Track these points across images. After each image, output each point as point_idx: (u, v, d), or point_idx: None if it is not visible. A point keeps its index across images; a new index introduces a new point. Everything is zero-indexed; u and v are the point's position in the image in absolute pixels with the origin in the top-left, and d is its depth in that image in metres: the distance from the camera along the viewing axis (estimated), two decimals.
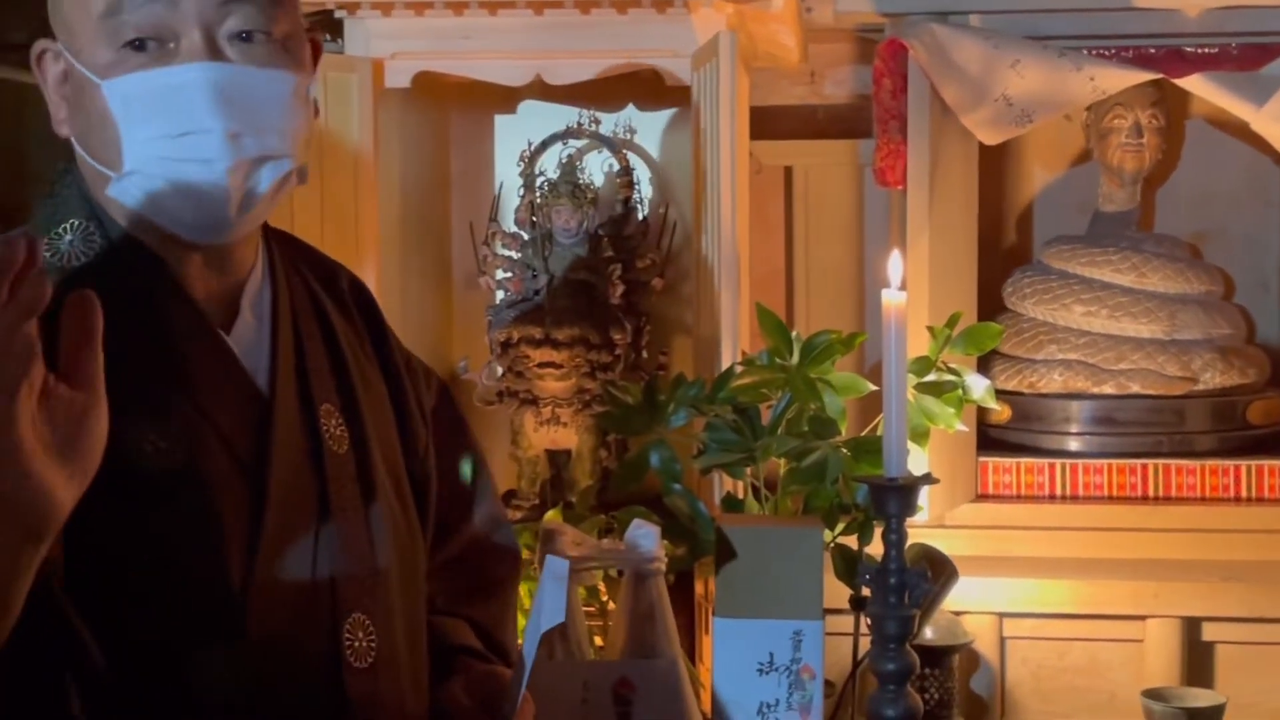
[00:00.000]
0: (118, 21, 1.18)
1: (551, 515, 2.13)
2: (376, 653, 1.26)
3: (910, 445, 1.64)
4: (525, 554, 2.08)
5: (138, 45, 1.19)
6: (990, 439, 2.42)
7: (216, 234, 1.24)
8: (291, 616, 1.22)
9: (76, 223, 1.24)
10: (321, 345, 1.33)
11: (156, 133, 1.19)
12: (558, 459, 2.38)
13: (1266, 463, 2.32)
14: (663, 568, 1.75)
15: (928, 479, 1.61)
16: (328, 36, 2.31)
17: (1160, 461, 2.33)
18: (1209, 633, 2.17)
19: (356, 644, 1.25)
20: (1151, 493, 2.33)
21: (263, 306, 1.30)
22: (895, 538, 1.58)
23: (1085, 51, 2.20)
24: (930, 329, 2.06)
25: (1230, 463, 2.33)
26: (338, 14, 2.24)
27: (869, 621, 1.62)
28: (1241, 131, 2.51)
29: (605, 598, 2.00)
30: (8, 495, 0.95)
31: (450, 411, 1.52)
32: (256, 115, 1.21)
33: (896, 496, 1.57)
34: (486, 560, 1.52)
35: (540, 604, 1.30)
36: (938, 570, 1.89)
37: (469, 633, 1.47)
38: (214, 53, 1.20)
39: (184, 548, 1.16)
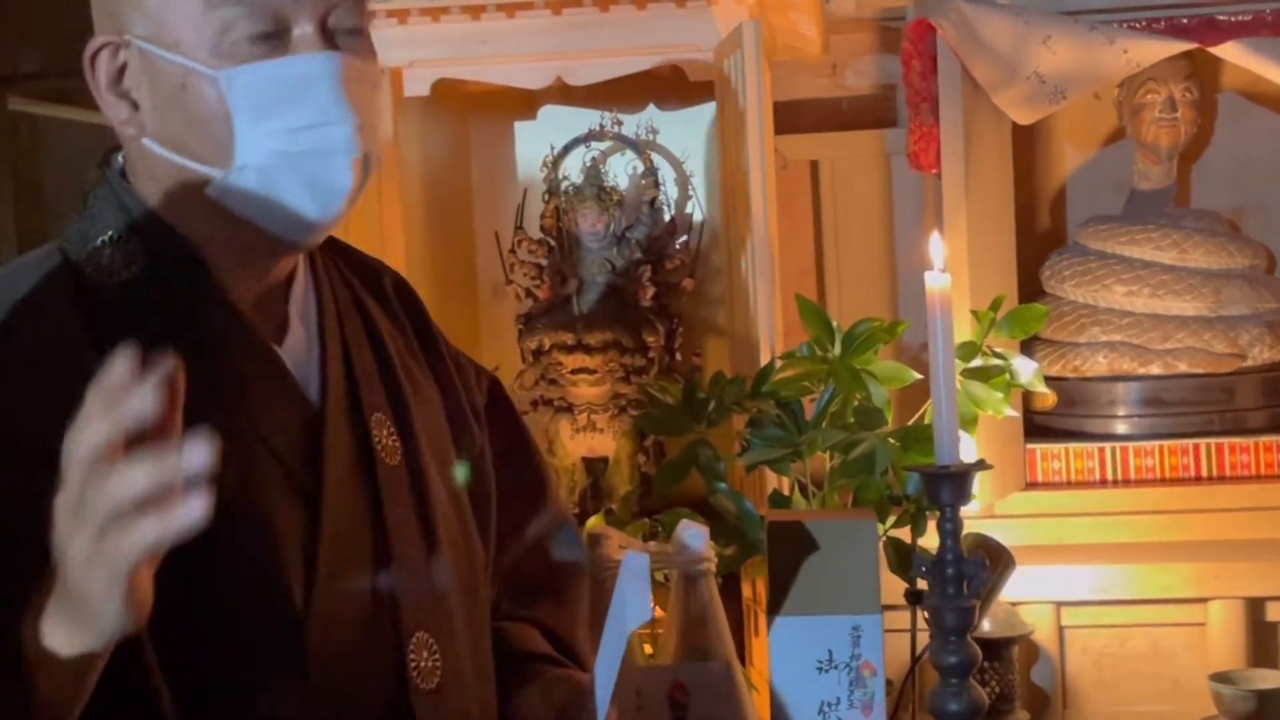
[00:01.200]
0: (229, 11, 1.13)
1: (595, 520, 2.09)
2: (442, 673, 1.22)
3: (959, 432, 1.59)
4: None
5: (254, 36, 1.14)
6: (1036, 426, 2.38)
7: (318, 232, 1.20)
8: (354, 640, 1.17)
9: (114, 234, 1.18)
10: (369, 351, 1.29)
11: (280, 125, 1.14)
12: (595, 467, 2.34)
13: None
14: (713, 568, 1.71)
15: (981, 465, 1.56)
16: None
17: (1212, 440, 2.29)
18: (1273, 613, 2.12)
19: (421, 664, 1.20)
20: (1205, 473, 2.28)
21: (309, 314, 1.26)
22: (950, 527, 1.53)
23: (1116, 24, 2.16)
24: (974, 313, 2.02)
25: None
26: None
27: (925, 615, 1.57)
28: (1275, 102, 2.48)
29: (653, 603, 1.95)
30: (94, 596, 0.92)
31: (504, 408, 1.48)
32: (368, 108, 1.18)
33: (950, 484, 1.52)
34: (552, 561, 1.47)
35: (622, 604, 1.26)
36: (995, 559, 1.84)
37: (538, 637, 1.42)
38: (329, 43, 1.16)
39: (241, 576, 1.12)
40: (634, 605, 1.26)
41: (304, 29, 1.15)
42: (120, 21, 1.17)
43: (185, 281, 1.18)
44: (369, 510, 1.22)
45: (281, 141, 1.14)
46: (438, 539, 1.26)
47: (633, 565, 1.29)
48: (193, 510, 0.88)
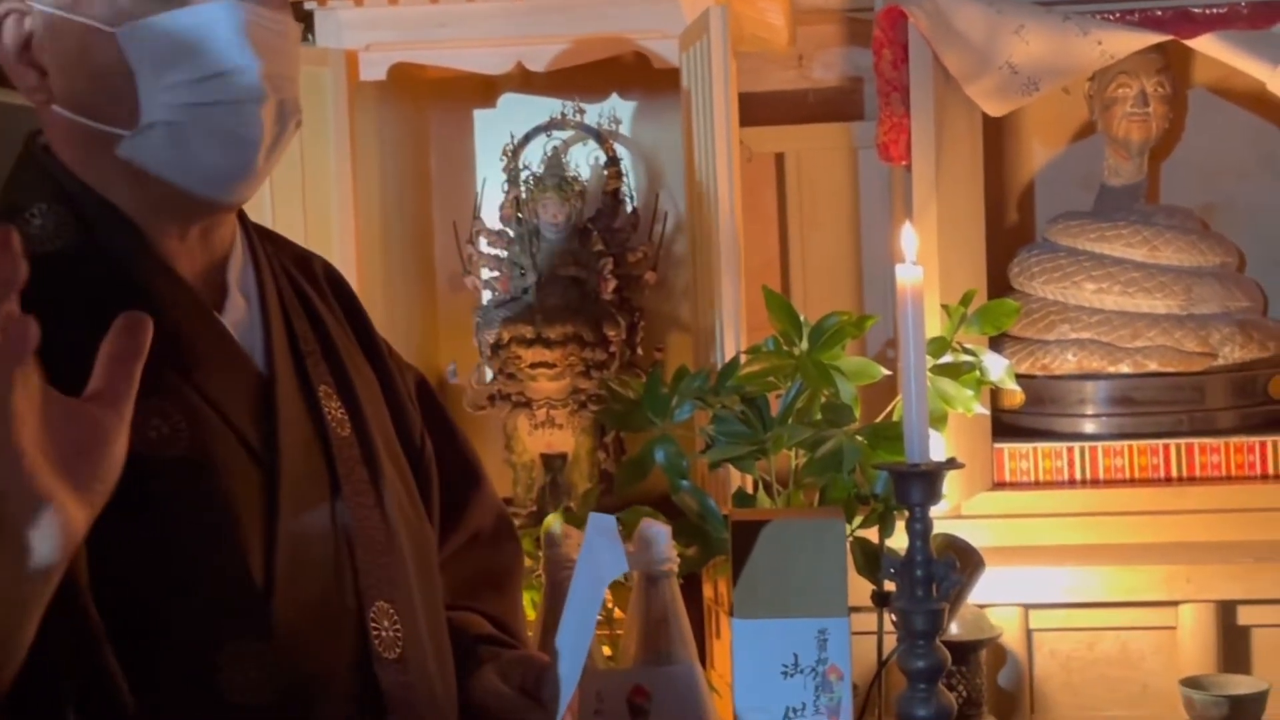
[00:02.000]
0: None
1: (552, 519, 2.03)
2: (404, 643, 1.20)
3: (928, 430, 1.55)
4: (526, 562, 2.00)
5: None
6: (1003, 424, 2.34)
7: (239, 186, 1.17)
8: (316, 607, 1.15)
9: (43, 206, 1.16)
10: (309, 328, 1.27)
11: (182, 78, 1.12)
12: (553, 463, 2.29)
13: None
14: (675, 569, 1.66)
15: (952, 463, 1.52)
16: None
17: (1182, 441, 2.25)
18: (1244, 616, 2.09)
19: (384, 634, 1.19)
20: (1175, 473, 2.25)
21: (248, 286, 1.23)
22: (920, 527, 1.50)
23: (1091, 15, 2.12)
24: (945, 308, 1.97)
25: (1255, 439, 2.25)
26: (307, 5, 2.16)
27: (893, 617, 1.53)
28: (1247, 99, 2.45)
29: (611, 605, 1.91)
30: (7, 517, 0.84)
31: (432, 403, 1.46)
32: (278, 55, 1.15)
33: (920, 483, 1.49)
34: (490, 552, 1.47)
35: (594, 559, 1.23)
36: (964, 561, 1.80)
37: (484, 623, 1.41)
38: None
39: (200, 542, 1.10)
40: (608, 559, 1.24)
41: None
42: None
43: (123, 248, 1.16)
44: (325, 480, 1.20)
45: (186, 94, 1.12)
46: (391, 513, 1.24)
47: (599, 524, 1.26)
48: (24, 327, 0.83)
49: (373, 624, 1.18)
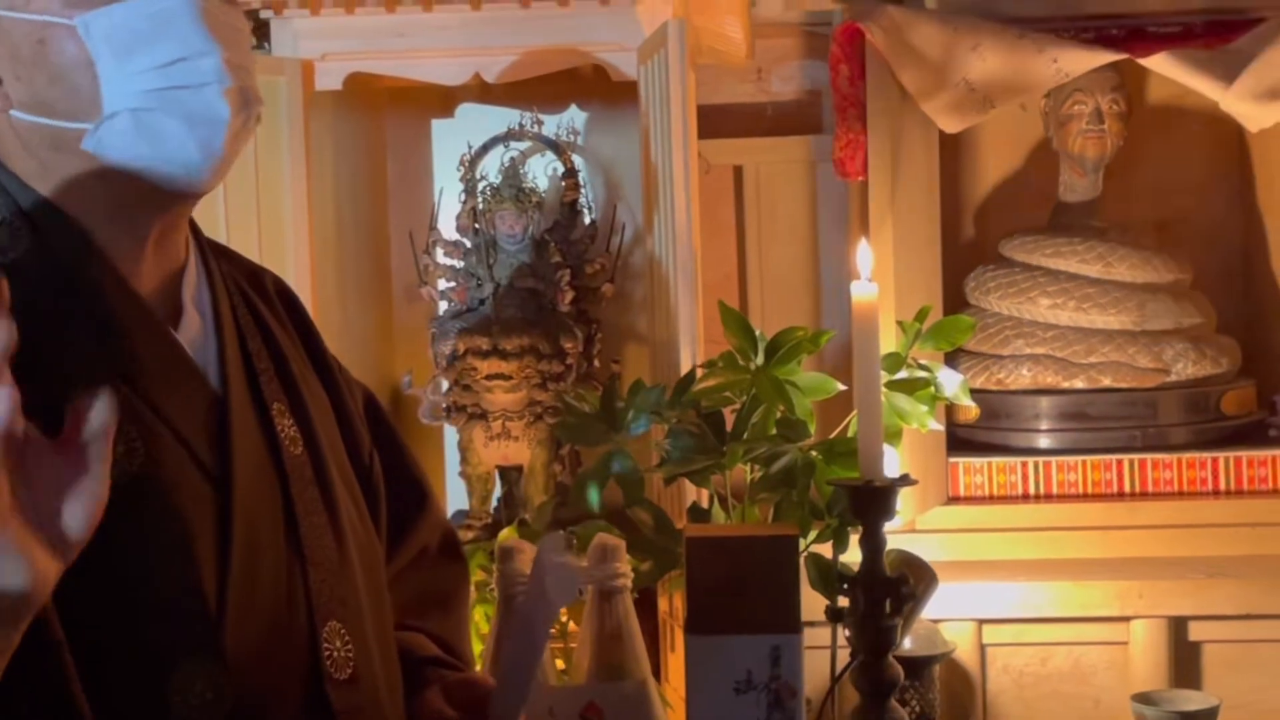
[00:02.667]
0: None
1: (506, 533, 2.03)
2: (355, 663, 1.19)
3: (883, 446, 1.56)
4: (480, 575, 1.99)
5: None
6: (958, 439, 2.34)
7: (205, 171, 1.16)
8: (268, 628, 1.14)
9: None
10: (262, 345, 1.26)
11: (145, 64, 1.12)
12: (509, 475, 2.29)
13: (1244, 454, 2.26)
14: (629, 584, 1.66)
15: (906, 480, 1.53)
16: (252, 40, 2.21)
17: (1135, 456, 2.26)
18: (1196, 632, 2.10)
19: (335, 654, 1.18)
20: (1128, 489, 2.26)
21: (203, 302, 1.22)
22: (874, 543, 1.51)
23: (1047, 33, 2.13)
24: (900, 324, 1.98)
25: (1207, 455, 2.26)
26: (263, 14, 2.14)
27: (847, 633, 1.53)
28: (1200, 116, 2.46)
29: (566, 619, 1.90)
30: None
31: (380, 420, 1.45)
32: (235, 42, 1.16)
33: (874, 500, 1.49)
34: (437, 571, 1.45)
35: (542, 586, 1.22)
36: (917, 577, 1.80)
37: (430, 644, 1.39)
38: None
39: (153, 560, 1.09)
40: (559, 586, 1.22)
41: None
42: None
43: (78, 264, 1.15)
44: (278, 499, 1.19)
45: (149, 80, 1.12)
46: (343, 532, 1.23)
47: (550, 544, 1.25)
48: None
49: (325, 644, 1.17)
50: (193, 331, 1.20)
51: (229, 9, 1.17)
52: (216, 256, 1.29)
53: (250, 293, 1.30)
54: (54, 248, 1.15)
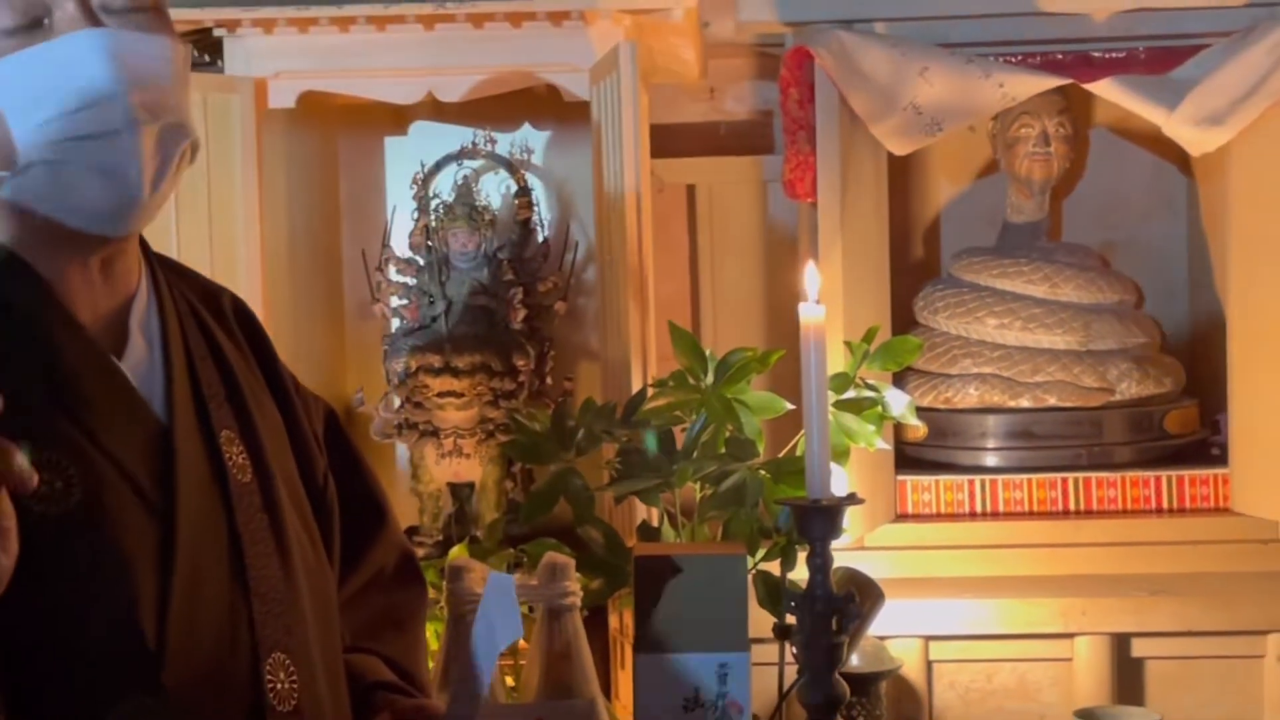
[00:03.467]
0: None
1: (457, 551, 2.04)
2: (299, 695, 1.17)
3: (831, 465, 1.57)
4: (430, 593, 1.99)
5: (9, 30, 1.09)
6: (906, 457, 2.37)
7: (126, 219, 1.14)
8: (210, 661, 1.13)
9: None
10: (214, 369, 1.25)
11: (52, 113, 1.09)
12: (460, 492, 2.29)
13: (1186, 473, 2.30)
14: (578, 602, 1.67)
15: (852, 499, 1.54)
16: (206, 57, 2.21)
17: (1080, 474, 2.30)
18: (1138, 649, 2.13)
19: (279, 686, 1.16)
20: (1073, 507, 2.29)
21: (151, 328, 1.21)
22: (820, 561, 1.52)
23: (993, 58, 2.16)
24: (847, 344, 2.00)
25: (1150, 474, 2.30)
26: (216, 32, 2.14)
27: (794, 651, 1.54)
28: (1145, 139, 2.50)
29: None
30: None
31: (340, 438, 1.44)
32: (154, 82, 1.12)
33: (821, 518, 1.51)
34: (393, 592, 1.44)
35: (489, 622, 1.22)
36: (864, 594, 1.82)
37: (383, 667, 1.38)
38: (92, 20, 1.11)
39: (91, 597, 1.07)
40: (504, 622, 1.22)
41: (64, 9, 1.10)
42: None
43: (20, 294, 1.13)
44: (224, 529, 1.18)
45: (58, 130, 1.10)
46: (291, 560, 1.22)
47: (498, 584, 1.25)
48: None
49: (268, 676, 1.16)
50: (138, 359, 1.19)
51: (152, 39, 1.13)
52: (171, 277, 1.28)
53: (204, 314, 1.29)
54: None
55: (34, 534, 1.01)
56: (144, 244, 1.26)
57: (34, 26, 1.10)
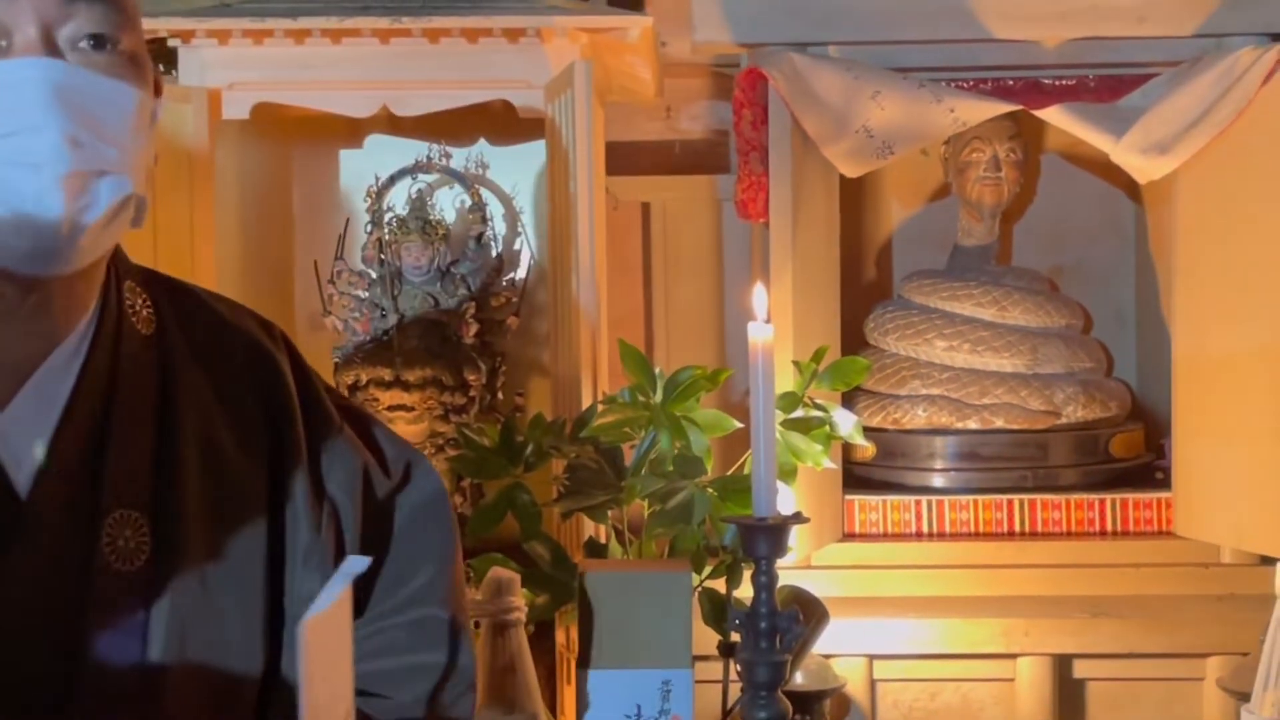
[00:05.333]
0: None
1: None
2: None
3: (778, 484, 1.58)
4: None
5: None
6: (855, 476, 2.38)
7: (43, 262, 1.07)
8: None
9: None
10: (151, 434, 1.15)
11: None
12: None
13: (1130, 496, 2.32)
14: (523, 618, 1.67)
15: (798, 518, 1.55)
16: (160, 67, 2.20)
17: (1025, 496, 2.32)
18: (1080, 670, 2.15)
19: None
20: (1018, 528, 2.31)
21: (64, 383, 1.12)
22: (765, 580, 1.53)
23: (945, 83, 2.19)
24: (796, 364, 2.01)
25: (1095, 496, 2.32)
26: (171, 42, 2.14)
27: (738, 668, 1.55)
28: (1095, 165, 2.53)
29: None
30: None
31: (424, 497, 1.35)
32: (97, 124, 1.07)
33: (766, 537, 1.52)
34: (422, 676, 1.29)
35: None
36: (809, 613, 1.83)
37: None
38: (52, 53, 1.07)
39: None
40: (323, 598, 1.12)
41: (25, 34, 1.07)
42: None
43: None
44: (59, 623, 1.08)
45: None
46: (170, 650, 1.12)
47: (351, 567, 1.06)
48: None
49: None
50: (19, 420, 1.09)
51: (101, 81, 1.08)
52: (183, 317, 1.21)
53: (190, 364, 1.20)
54: None
55: None
56: (153, 282, 1.20)
57: None
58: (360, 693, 1.18)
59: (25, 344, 1.11)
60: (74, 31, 1.08)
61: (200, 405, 1.20)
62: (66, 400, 1.12)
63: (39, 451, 1.10)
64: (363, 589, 1.26)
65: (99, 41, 1.09)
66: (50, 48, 1.07)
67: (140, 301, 1.20)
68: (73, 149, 1.05)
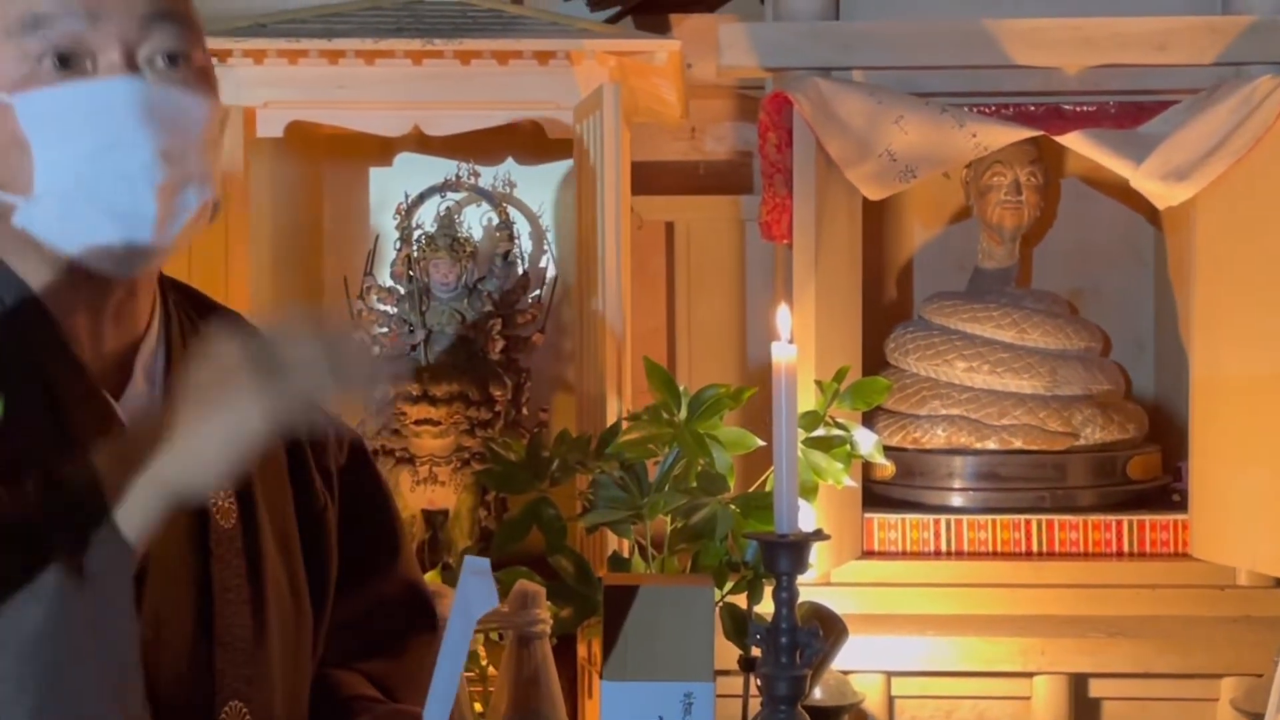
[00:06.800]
0: (31, 38, 1.12)
1: (430, 577, 2.06)
2: None
3: (799, 501, 1.61)
4: None
5: (53, 63, 1.12)
6: (874, 495, 2.40)
7: (132, 263, 1.17)
8: (165, 707, 1.13)
9: None
10: None
11: (76, 151, 1.12)
12: (434, 519, 2.31)
13: (1147, 518, 2.33)
14: (548, 630, 1.70)
15: (819, 535, 1.57)
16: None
17: (1043, 517, 2.33)
18: (1096, 689, 2.17)
19: None
20: (1035, 548, 2.33)
21: (156, 369, 1.23)
22: (786, 595, 1.55)
23: (967, 108, 2.21)
24: (818, 383, 2.04)
25: (1112, 518, 2.33)
26: None
27: (758, 682, 1.57)
28: (1115, 190, 2.55)
29: (485, 662, 1.93)
30: None
31: (363, 469, 1.45)
32: (182, 136, 1.15)
33: (788, 553, 1.54)
34: (394, 622, 1.44)
35: (465, 598, 1.23)
36: (828, 629, 1.86)
37: (365, 684, 1.39)
38: (134, 72, 1.14)
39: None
40: (478, 597, 1.23)
41: (109, 57, 1.14)
42: None
43: (24, 323, 1.15)
44: (196, 574, 1.19)
45: (78, 167, 1.13)
46: (265, 609, 1.23)
47: (473, 566, 1.25)
48: None
49: None
50: (137, 400, 1.20)
51: (181, 95, 1.16)
52: (187, 305, 1.28)
53: None
54: (3, 307, 1.15)
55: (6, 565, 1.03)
56: (164, 288, 1.27)
57: (78, 67, 1.13)
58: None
59: (120, 334, 1.21)
60: (151, 50, 1.15)
61: None
62: (162, 383, 1.22)
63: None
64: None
65: (174, 59, 1.16)
66: (132, 67, 1.14)
67: (170, 299, 1.29)
68: (162, 161, 1.13)
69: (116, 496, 1.06)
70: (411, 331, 2.32)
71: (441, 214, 2.34)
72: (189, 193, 1.17)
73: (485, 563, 1.26)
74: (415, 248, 2.32)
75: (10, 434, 1.00)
